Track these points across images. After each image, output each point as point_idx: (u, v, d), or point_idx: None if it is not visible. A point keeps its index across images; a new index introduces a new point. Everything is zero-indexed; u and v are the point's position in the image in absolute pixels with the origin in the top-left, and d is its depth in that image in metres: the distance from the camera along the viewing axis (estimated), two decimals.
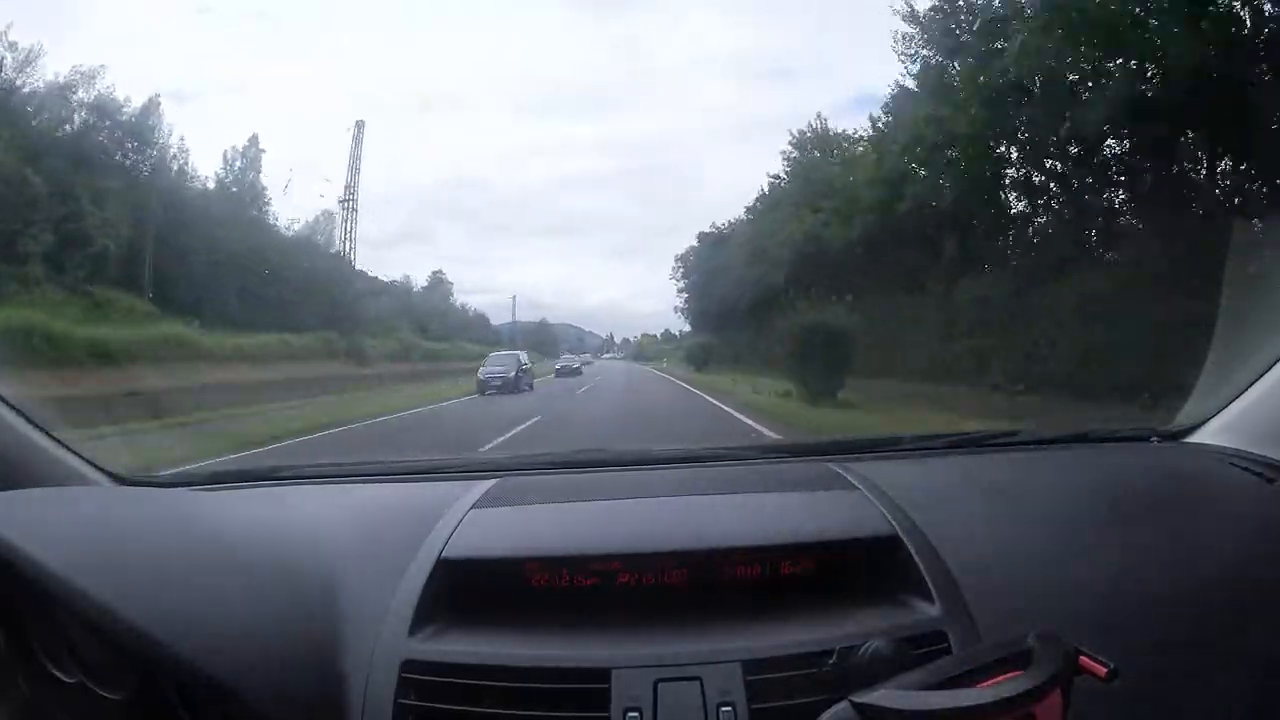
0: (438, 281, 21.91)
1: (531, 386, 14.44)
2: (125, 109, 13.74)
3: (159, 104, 14.41)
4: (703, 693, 0.77)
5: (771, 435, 6.64)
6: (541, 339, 23.98)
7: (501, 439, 7.27)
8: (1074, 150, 11.58)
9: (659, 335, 29.76)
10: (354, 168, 16.34)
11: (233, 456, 6.33)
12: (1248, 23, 9.29)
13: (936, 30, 12.63)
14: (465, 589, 0.93)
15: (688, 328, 24.82)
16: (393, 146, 31.33)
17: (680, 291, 22.71)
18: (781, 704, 0.77)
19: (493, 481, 1.20)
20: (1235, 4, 9.30)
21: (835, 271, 15.47)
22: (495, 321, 23.95)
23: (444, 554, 0.95)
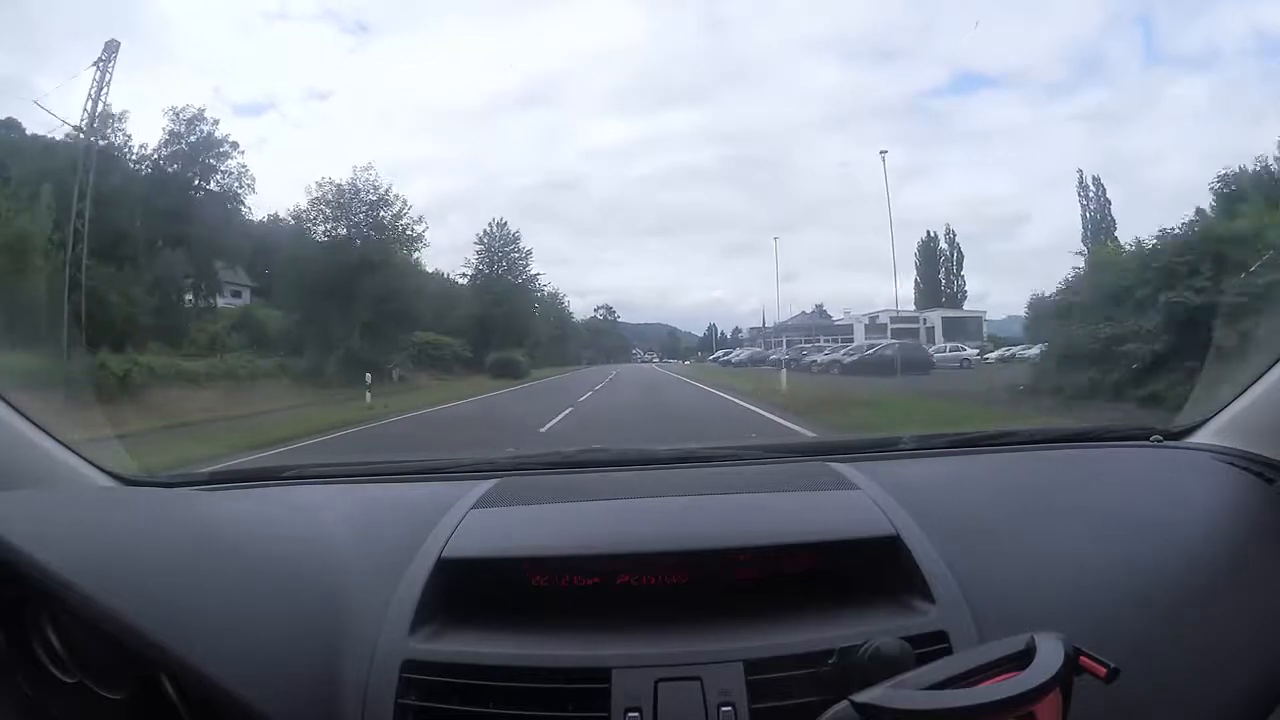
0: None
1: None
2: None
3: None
4: (703, 692, 0.77)
5: None
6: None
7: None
8: None
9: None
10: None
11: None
12: None
13: None
14: (465, 589, 0.93)
15: None
16: (483, 145, 30.99)
17: None
18: (782, 704, 0.77)
19: (493, 481, 1.20)
20: None
21: None
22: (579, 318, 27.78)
23: (444, 554, 0.94)
